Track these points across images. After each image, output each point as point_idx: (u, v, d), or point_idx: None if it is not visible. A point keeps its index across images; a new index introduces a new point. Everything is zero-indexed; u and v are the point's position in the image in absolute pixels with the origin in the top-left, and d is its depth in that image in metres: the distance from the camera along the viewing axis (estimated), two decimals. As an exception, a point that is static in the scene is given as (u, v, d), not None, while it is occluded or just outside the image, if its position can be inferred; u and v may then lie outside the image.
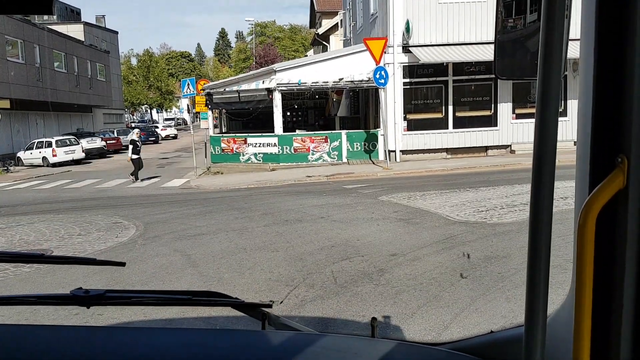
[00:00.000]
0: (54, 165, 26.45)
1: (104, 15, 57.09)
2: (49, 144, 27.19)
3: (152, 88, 68.05)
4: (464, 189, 12.14)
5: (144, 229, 9.59)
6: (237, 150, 19.86)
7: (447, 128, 18.62)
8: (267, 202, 12.07)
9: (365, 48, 16.90)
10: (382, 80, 16.50)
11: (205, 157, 20.55)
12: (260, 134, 19.79)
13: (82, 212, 12.10)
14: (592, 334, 0.74)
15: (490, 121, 18.71)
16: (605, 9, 0.75)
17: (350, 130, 19.54)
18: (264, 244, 7.93)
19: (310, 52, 45.72)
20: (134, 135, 19.20)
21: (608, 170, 0.75)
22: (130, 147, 18.08)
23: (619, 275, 0.76)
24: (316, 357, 1.24)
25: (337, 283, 5.88)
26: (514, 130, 18.57)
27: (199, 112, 23.51)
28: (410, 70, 18.11)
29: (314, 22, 43.70)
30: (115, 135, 37.55)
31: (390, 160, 17.52)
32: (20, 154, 28.50)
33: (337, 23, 33.90)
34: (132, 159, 17.92)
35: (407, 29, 17.61)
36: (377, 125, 19.40)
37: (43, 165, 26.84)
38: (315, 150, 18.89)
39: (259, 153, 19.41)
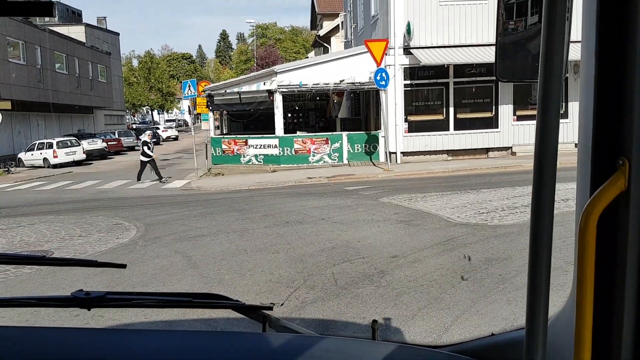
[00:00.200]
0: (55, 166, 26.48)
1: (105, 17, 57.16)
2: (50, 145, 27.23)
3: (153, 89, 68.16)
4: (465, 190, 12.14)
5: (144, 230, 9.59)
6: (238, 152, 19.87)
7: (448, 130, 18.62)
8: (268, 203, 12.08)
9: (366, 50, 16.92)
10: (383, 82, 16.51)
11: (206, 158, 20.56)
12: (261, 136, 19.80)
13: (83, 213, 12.11)
14: (593, 336, 0.74)
15: (491, 123, 18.71)
16: (606, 11, 0.75)
17: (351, 132, 19.55)
18: (265, 246, 7.92)
19: (311, 54, 45.76)
20: (146, 136, 19.17)
21: (609, 172, 0.75)
22: (143, 148, 17.99)
23: (620, 277, 0.76)
24: None
25: (338, 285, 5.88)
26: (515, 132, 18.57)
27: (200, 114, 23.52)
28: (411, 71, 18.12)
29: (315, 24, 43.74)
30: (117, 136, 37.60)
31: (391, 162, 17.53)
32: (21, 155, 28.53)
33: (338, 25, 33.94)
34: (143, 161, 17.87)
35: (408, 31, 17.62)
36: (378, 127, 19.41)
37: (44, 167, 26.86)
38: (316, 151, 18.90)
39: (260, 154, 19.42)
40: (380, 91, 17.15)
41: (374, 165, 18.25)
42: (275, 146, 19.07)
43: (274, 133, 19.24)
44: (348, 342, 1.41)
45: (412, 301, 5.24)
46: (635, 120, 0.72)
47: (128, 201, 14.06)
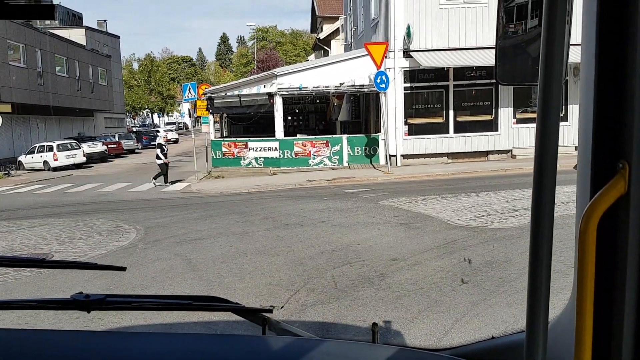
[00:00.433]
0: (55, 169, 26.48)
1: (105, 20, 57.12)
2: (50, 148, 27.25)
3: (153, 92, 68.18)
4: (465, 193, 12.14)
5: (144, 233, 9.59)
6: (238, 155, 19.88)
7: (448, 133, 18.63)
8: (268, 206, 12.07)
9: (366, 53, 16.95)
10: (383, 85, 16.52)
11: (206, 161, 20.56)
12: (261, 138, 19.82)
13: (83, 216, 12.11)
14: (593, 339, 0.74)
15: (491, 126, 18.73)
16: (606, 14, 0.75)
17: (351, 135, 19.56)
18: (265, 248, 7.92)
19: (312, 57, 45.79)
20: (161, 139, 19.03)
21: (609, 175, 0.75)
22: (157, 150, 17.82)
23: (621, 280, 0.76)
24: None
25: (338, 288, 5.87)
26: (515, 135, 18.58)
27: (200, 117, 23.53)
28: (411, 74, 18.14)
29: (315, 27, 43.80)
30: (117, 139, 37.62)
31: (391, 165, 17.53)
32: (22, 158, 28.55)
33: (338, 28, 33.99)
34: (158, 164, 17.79)
35: (408, 34, 17.65)
36: (378, 130, 19.42)
37: (44, 170, 26.87)
38: (316, 154, 18.91)
39: (260, 157, 19.43)
40: (380, 94, 17.17)
41: (374, 168, 18.26)
42: (276, 149, 19.08)
43: (274, 136, 19.25)
44: (348, 345, 1.41)
45: (412, 304, 5.23)
46: (635, 124, 0.72)
47: (128, 204, 14.06)
